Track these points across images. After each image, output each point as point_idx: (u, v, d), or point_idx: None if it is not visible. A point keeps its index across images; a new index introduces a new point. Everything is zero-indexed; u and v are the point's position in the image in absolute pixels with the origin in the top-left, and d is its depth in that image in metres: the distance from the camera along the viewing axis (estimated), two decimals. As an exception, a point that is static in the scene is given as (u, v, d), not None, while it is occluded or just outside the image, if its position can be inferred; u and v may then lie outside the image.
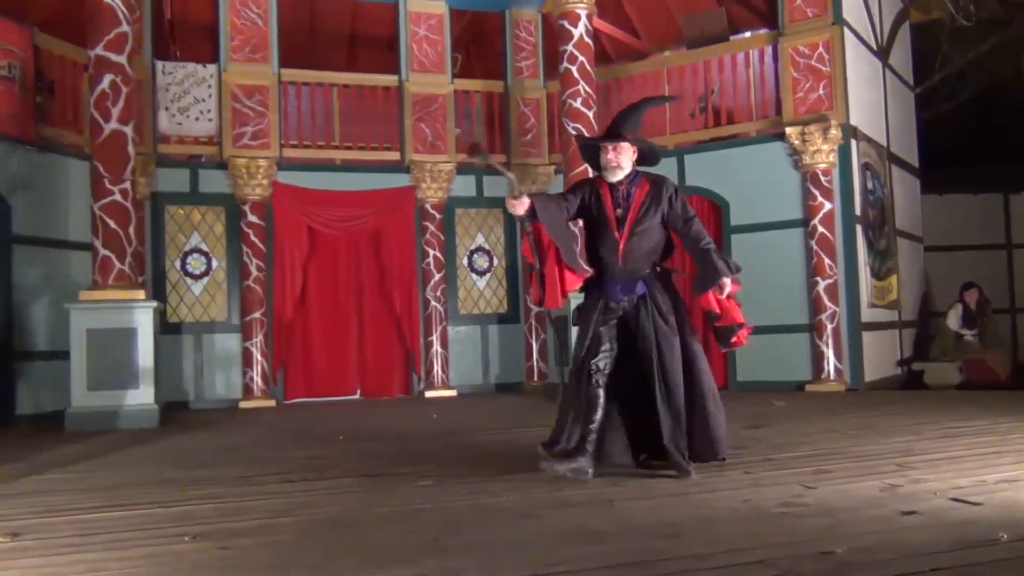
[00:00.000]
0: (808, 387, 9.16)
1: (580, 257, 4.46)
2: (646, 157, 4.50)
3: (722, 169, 10.02)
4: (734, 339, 4.31)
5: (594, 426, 4.24)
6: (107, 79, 7.83)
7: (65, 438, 6.86)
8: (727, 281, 4.25)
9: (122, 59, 7.92)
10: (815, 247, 9.29)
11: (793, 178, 9.57)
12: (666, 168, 10.21)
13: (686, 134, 10.49)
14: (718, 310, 4.29)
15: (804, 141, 9.31)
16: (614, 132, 4.38)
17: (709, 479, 4.07)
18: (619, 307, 4.33)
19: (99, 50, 7.87)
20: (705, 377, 4.27)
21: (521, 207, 4.26)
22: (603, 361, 4.29)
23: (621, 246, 4.31)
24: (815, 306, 9.26)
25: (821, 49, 9.42)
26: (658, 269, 4.40)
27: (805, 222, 9.43)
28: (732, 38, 10.83)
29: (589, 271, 4.42)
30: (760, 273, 9.58)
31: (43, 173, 8.84)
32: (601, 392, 4.28)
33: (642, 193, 4.36)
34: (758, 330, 9.32)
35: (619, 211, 4.36)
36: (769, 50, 9.90)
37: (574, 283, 4.39)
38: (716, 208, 10.08)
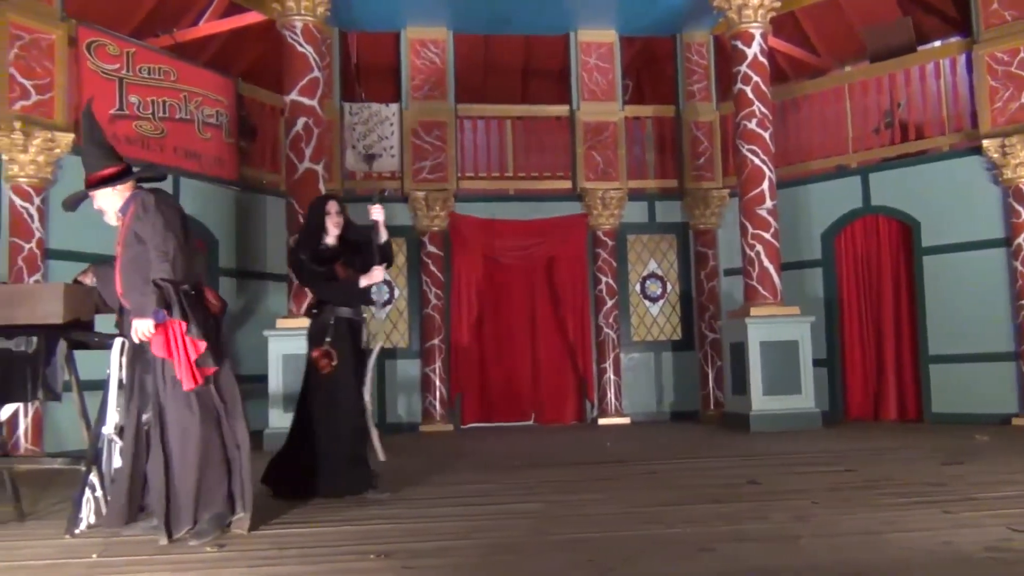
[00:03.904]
0: (1015, 421, 8.42)
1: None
2: (152, 177, 4.10)
3: (911, 187, 9.46)
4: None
5: None
6: (301, 122, 8.44)
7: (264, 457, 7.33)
8: (136, 323, 3.70)
9: (314, 103, 8.51)
10: (1020, 268, 8.56)
11: (992, 194, 8.89)
12: (850, 187, 10.00)
13: (870, 152, 9.99)
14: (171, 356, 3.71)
15: (1004, 154, 8.64)
16: (86, 182, 3.96)
17: (903, 518, 3.82)
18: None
19: (294, 95, 8.50)
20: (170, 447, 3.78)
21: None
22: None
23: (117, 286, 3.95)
24: (1021, 332, 8.52)
25: (1023, 54, 8.73)
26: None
27: (1008, 241, 8.72)
28: (919, 48, 10.25)
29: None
30: (956, 297, 8.99)
31: (244, 210, 9.60)
32: None
33: (127, 221, 3.94)
34: (954, 359, 8.98)
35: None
36: (962, 59, 9.28)
37: None
38: (906, 228, 9.50)
